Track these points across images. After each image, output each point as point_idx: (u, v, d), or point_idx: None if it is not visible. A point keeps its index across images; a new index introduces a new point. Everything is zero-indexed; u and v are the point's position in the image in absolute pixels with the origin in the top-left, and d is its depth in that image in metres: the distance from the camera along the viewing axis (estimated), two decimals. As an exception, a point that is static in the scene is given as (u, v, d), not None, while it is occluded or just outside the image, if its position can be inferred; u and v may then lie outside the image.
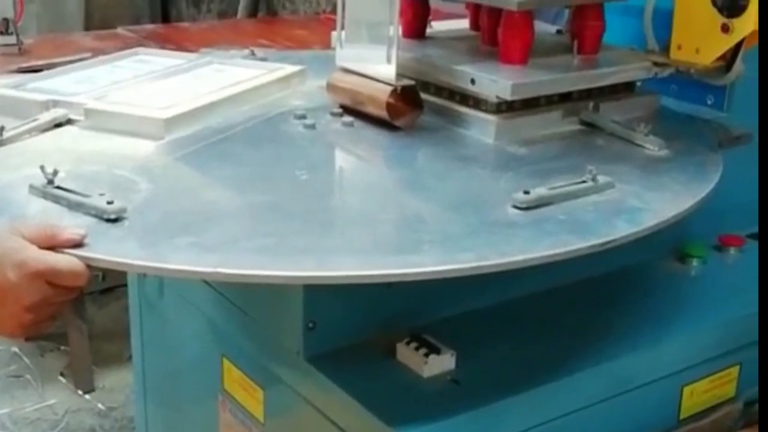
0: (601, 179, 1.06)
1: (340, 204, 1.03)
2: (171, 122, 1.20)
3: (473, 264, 0.87)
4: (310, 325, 1.11)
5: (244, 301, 1.23)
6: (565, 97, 1.28)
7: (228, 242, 0.91)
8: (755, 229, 1.44)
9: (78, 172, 1.07)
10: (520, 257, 0.89)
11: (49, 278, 0.87)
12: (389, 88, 1.22)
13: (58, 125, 1.24)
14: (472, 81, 1.22)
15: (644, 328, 1.21)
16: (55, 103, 1.26)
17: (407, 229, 0.96)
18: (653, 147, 1.20)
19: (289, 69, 1.45)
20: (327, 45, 3.06)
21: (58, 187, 0.99)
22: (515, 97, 1.19)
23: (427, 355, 1.09)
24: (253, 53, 1.61)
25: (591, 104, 1.30)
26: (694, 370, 1.24)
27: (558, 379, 1.10)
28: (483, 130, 1.23)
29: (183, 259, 0.87)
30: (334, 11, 3.32)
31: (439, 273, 0.86)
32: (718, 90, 1.45)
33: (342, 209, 1.02)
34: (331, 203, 1.03)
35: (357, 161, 1.15)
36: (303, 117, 1.28)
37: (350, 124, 1.27)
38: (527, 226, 0.96)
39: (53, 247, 0.88)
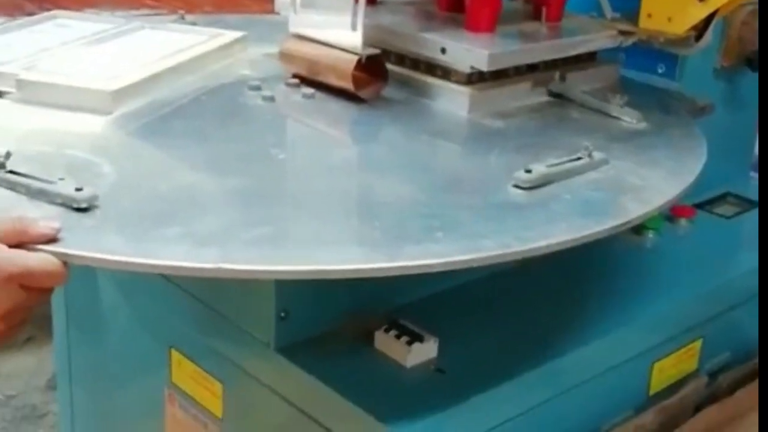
0: (596, 155, 1.01)
1: (330, 187, 0.95)
2: (119, 94, 1.09)
3: (499, 252, 0.81)
4: (282, 314, 1.03)
5: (198, 289, 1.13)
6: (532, 68, 1.23)
7: (222, 233, 0.81)
8: (699, 199, 1.43)
9: (25, 154, 0.94)
10: (542, 243, 0.83)
11: (23, 281, 0.76)
12: (354, 58, 1.13)
13: (-15, 100, 1.10)
14: (443, 50, 1.15)
15: (614, 306, 1.18)
16: (-21, 75, 1.12)
17: (412, 214, 0.88)
18: (630, 119, 1.17)
19: (230, 35, 1.35)
20: (218, 6, 2.94)
21: (12, 172, 0.87)
22: (492, 68, 1.13)
23: (409, 343, 1.02)
24: (182, 17, 1.49)
25: (557, 74, 1.26)
26: (663, 347, 1.23)
27: (540, 365, 1.06)
28: (455, 102, 1.16)
29: (176, 253, 0.77)
30: (219, -32, 3.16)
31: (465, 263, 0.80)
32: (669, 59, 1.43)
33: (334, 193, 0.93)
34: (319, 186, 0.94)
35: (331, 139, 1.07)
36: (258, 88, 1.19)
37: (311, 96, 1.18)
38: (536, 207, 0.91)
39: (23, 244, 0.77)
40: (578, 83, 1.26)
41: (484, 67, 1.12)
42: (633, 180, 0.99)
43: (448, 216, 0.88)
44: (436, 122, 1.13)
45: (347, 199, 0.93)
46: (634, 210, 0.92)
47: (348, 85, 1.14)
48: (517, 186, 0.94)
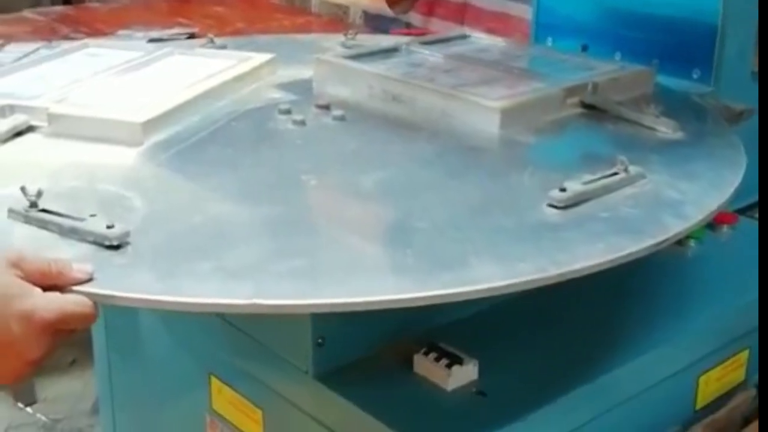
0: (633, 170, 0.99)
1: (363, 212, 0.94)
2: (149, 125, 1.09)
3: (535, 276, 0.79)
4: (319, 341, 1.02)
5: (235, 316, 1.12)
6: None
7: (255, 265, 0.80)
8: (741, 204, 1.40)
9: (57, 190, 0.95)
10: (578, 266, 0.81)
11: (59, 326, 0.75)
12: None
13: (18, 134, 1.10)
14: None
15: (656, 319, 1.15)
16: (12, 109, 1.13)
17: (445, 237, 0.87)
18: (666, 129, 1.15)
19: (259, 58, 1.35)
20: (249, 22, 2.95)
21: (44, 210, 0.87)
22: None
23: (449, 366, 1.01)
24: (212, 41, 1.49)
25: (590, 85, 1.24)
26: (708, 359, 1.20)
27: (584, 384, 1.04)
28: (486, 118, 1.15)
29: (209, 289, 0.77)
30: (249, -14, 3.17)
31: (501, 289, 0.78)
32: (704, 63, 1.41)
33: (366, 218, 0.92)
34: (351, 212, 0.93)
35: (362, 161, 1.05)
36: (288, 112, 1.18)
37: (341, 118, 1.17)
38: (571, 227, 0.89)
39: (57, 287, 0.77)
40: (611, 93, 1.24)
41: None
42: (671, 194, 0.97)
43: (483, 239, 0.86)
44: (467, 140, 1.12)
45: (380, 224, 0.92)
46: (674, 226, 0.90)
47: (379, 1, 1.12)
48: (552, 205, 0.92)
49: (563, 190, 0.93)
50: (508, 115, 1.14)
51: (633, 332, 1.11)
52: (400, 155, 1.08)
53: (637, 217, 0.92)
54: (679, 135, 1.14)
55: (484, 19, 2.27)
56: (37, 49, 1.88)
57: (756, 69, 1.37)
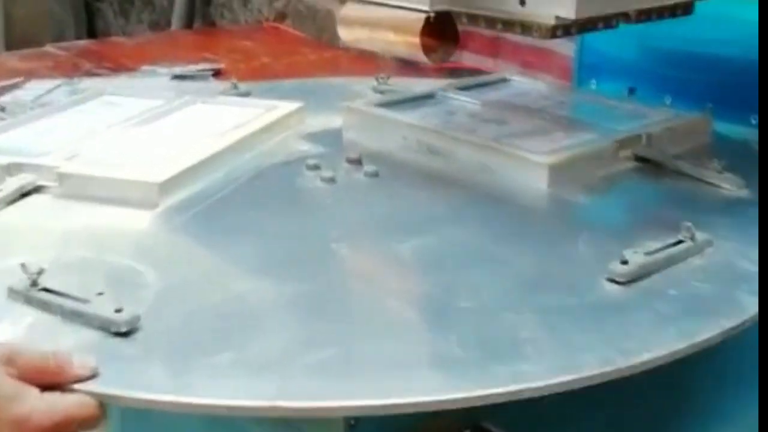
0: (700, 237, 0.89)
1: (400, 288, 0.84)
2: (166, 185, 1.00)
3: (602, 370, 0.69)
4: (352, 422, 0.92)
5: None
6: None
7: (279, 357, 0.71)
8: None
9: (64, 261, 0.86)
10: (651, 355, 0.71)
11: (60, 431, 0.66)
12: (421, 17, 1.00)
13: (25, 194, 1.02)
14: (522, 1, 0.98)
15: (724, 413, 1.03)
16: (19, 167, 1.04)
17: (495, 323, 0.77)
18: (731, 186, 1.04)
19: (286, 107, 1.26)
20: (275, 56, 2.87)
21: (45, 289, 0.78)
22: (581, 15, 0.96)
23: (496, 452, 0.91)
24: (235, 86, 1.41)
25: (644, 136, 1.14)
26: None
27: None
28: (532, 174, 1.05)
29: (228, 387, 0.67)
30: (277, 19, 3.13)
31: (563, 385, 0.68)
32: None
33: (404, 296, 0.83)
34: (387, 289, 0.84)
35: (398, 225, 0.96)
36: (317, 167, 1.09)
37: (374, 174, 1.08)
38: (637, 307, 0.79)
39: (57, 385, 0.68)
40: (667, 144, 1.14)
41: (572, 15, 0.96)
42: (744, 264, 0.87)
43: (538, 322, 0.76)
44: (514, 201, 1.02)
45: (420, 305, 0.82)
46: (751, 305, 0.79)
47: (416, 49, 1.02)
48: (612, 280, 0.82)
49: (625, 262, 0.82)
50: (557, 171, 1.04)
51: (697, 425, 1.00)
52: (439, 218, 0.98)
53: (710, 295, 0.81)
54: (744, 192, 1.04)
55: (520, 53, 2.17)
56: (58, 86, 1.81)
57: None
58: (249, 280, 0.84)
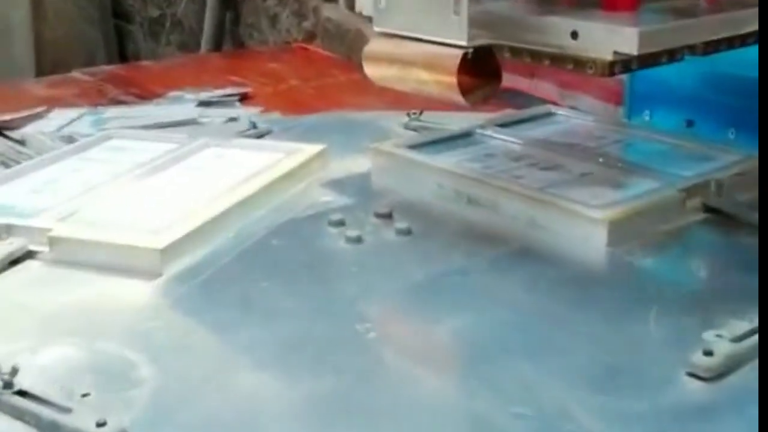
0: (791, 314, 0.75)
1: (437, 392, 0.71)
2: (169, 251, 0.88)
3: None
4: None
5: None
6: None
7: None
8: None
9: (46, 351, 0.74)
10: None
11: None
12: (458, 53, 0.88)
13: (15, 261, 0.91)
14: (574, 35, 0.88)
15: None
16: (9, 229, 0.93)
17: (555, 433, 0.64)
18: (817, 243, 0.90)
19: (308, 151, 1.13)
20: (304, 79, 2.77)
21: (20, 392, 0.66)
22: (643, 50, 0.86)
23: None
24: (254, 126, 1.29)
25: (713, 183, 1.00)
26: None
27: None
28: (588, 231, 0.92)
29: None
30: (306, 40, 3.04)
31: None
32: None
33: (442, 401, 0.69)
34: (422, 392, 0.70)
35: (434, 299, 0.83)
36: (341, 224, 0.97)
37: (407, 232, 0.95)
38: (726, 412, 0.65)
39: None
40: (738, 191, 1.00)
41: (633, 50, 0.86)
42: None
43: (605, 435, 0.63)
44: (568, 264, 0.89)
45: (464, 412, 0.68)
46: None
47: (451, 89, 0.89)
48: (694, 375, 0.69)
49: (709, 353, 0.69)
50: (618, 228, 0.91)
51: None
52: (481, 288, 0.85)
53: (812, 393, 0.67)
54: (834, 250, 0.89)
55: (558, 72, 2.04)
56: (82, 115, 1.72)
57: None
58: (257, 375, 0.71)
